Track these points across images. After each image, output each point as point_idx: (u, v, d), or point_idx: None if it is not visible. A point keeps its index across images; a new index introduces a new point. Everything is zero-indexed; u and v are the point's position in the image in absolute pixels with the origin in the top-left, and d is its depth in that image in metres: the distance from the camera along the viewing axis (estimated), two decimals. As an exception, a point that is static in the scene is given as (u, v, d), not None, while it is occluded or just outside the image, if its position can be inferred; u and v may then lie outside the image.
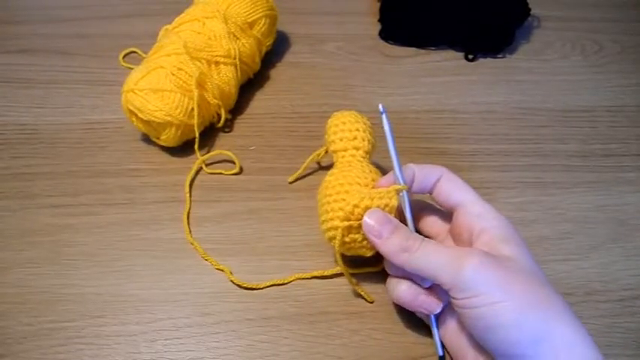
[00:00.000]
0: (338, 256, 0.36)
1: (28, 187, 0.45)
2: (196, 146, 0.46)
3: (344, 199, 0.35)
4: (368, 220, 0.34)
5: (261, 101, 0.53)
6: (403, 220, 0.35)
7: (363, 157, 0.39)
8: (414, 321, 0.38)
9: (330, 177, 0.37)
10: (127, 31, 0.60)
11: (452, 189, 0.35)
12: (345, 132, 0.39)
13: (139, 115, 0.44)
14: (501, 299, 0.29)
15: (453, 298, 0.31)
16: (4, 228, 0.42)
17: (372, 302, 0.39)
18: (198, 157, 0.46)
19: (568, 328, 0.29)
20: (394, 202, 0.34)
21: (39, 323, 0.37)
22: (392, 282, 0.35)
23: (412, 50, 0.60)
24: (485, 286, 0.29)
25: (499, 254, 0.31)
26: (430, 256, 0.32)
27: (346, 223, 0.34)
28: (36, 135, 0.49)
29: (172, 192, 0.45)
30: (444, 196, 0.35)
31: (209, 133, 0.49)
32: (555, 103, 0.54)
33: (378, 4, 0.62)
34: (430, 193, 0.36)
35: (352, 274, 0.38)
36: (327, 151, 0.41)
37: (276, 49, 0.59)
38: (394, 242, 0.33)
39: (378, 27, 0.62)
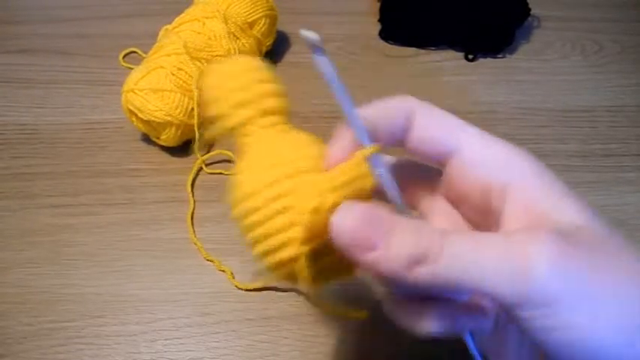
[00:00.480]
0: (310, 296, 0.24)
1: (28, 187, 0.45)
2: (196, 146, 0.46)
3: (289, 207, 0.19)
4: (342, 225, 0.18)
5: (261, 101, 0.53)
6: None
7: (285, 123, 0.23)
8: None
9: (244, 175, 0.21)
10: (127, 31, 0.60)
11: (435, 128, 0.23)
12: (241, 91, 0.22)
13: (139, 115, 0.44)
14: (600, 309, 0.17)
15: (521, 317, 0.18)
16: (4, 228, 0.42)
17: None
18: (198, 157, 0.46)
19: None
20: (370, 180, 0.20)
21: (39, 323, 0.37)
22: (405, 311, 0.22)
23: (412, 50, 0.60)
24: (574, 289, 0.17)
25: (555, 224, 0.19)
26: (468, 258, 0.18)
27: (310, 245, 0.19)
28: (36, 135, 0.49)
29: (172, 192, 0.45)
30: (426, 142, 0.23)
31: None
32: (555, 103, 0.54)
33: (378, 4, 0.62)
34: (402, 144, 0.23)
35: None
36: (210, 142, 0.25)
37: (276, 49, 0.59)
38: (400, 252, 0.18)
39: (378, 27, 0.62)
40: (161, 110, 0.44)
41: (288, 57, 0.58)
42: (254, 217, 0.20)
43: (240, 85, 0.22)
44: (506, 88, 0.56)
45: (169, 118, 0.44)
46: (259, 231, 0.20)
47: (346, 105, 0.20)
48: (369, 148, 0.20)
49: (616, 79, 0.57)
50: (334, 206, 0.19)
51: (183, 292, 0.39)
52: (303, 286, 0.21)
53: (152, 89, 0.44)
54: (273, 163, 0.20)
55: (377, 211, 0.19)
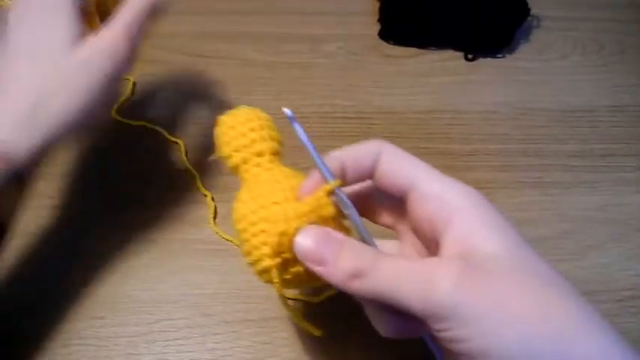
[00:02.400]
0: (282, 300, 0.28)
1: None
2: (183, 154, 0.46)
3: (264, 230, 0.26)
4: (302, 244, 0.25)
5: (261, 101, 0.53)
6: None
7: (272, 162, 0.29)
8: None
9: (238, 203, 0.28)
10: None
11: (396, 166, 0.26)
12: (238, 138, 0.30)
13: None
14: (496, 326, 0.21)
15: (433, 329, 0.22)
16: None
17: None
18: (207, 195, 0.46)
19: (591, 343, 0.20)
20: (329, 210, 0.26)
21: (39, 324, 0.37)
22: (374, 317, 0.27)
23: (412, 50, 0.60)
24: (472, 309, 0.21)
25: (480, 253, 0.23)
26: (389, 276, 0.23)
27: (278, 260, 0.26)
28: (36, 135, 0.49)
29: (173, 192, 0.45)
30: (388, 178, 0.26)
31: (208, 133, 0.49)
32: (555, 103, 0.54)
33: (378, 4, 0.62)
34: (370, 178, 0.28)
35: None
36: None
37: (275, 49, 0.59)
38: (344, 267, 0.23)
39: (378, 27, 0.61)
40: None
41: (288, 57, 0.58)
42: (241, 236, 0.27)
43: (238, 133, 0.29)
44: (506, 88, 0.56)
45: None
46: (245, 247, 0.27)
47: (314, 153, 0.26)
48: (329, 185, 0.26)
49: (616, 79, 0.57)
50: (297, 230, 0.25)
51: (183, 293, 0.39)
52: (276, 290, 0.27)
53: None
54: (256, 195, 0.27)
55: (330, 234, 0.25)
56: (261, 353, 0.36)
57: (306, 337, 0.37)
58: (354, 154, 0.27)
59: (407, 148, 0.48)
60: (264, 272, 0.27)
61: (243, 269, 0.40)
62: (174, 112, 0.52)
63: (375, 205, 0.30)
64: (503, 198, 0.46)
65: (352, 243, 0.25)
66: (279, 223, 0.25)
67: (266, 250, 0.26)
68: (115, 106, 0.51)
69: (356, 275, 0.23)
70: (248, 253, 0.27)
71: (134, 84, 0.54)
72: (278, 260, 0.26)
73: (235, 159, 0.29)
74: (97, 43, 0.33)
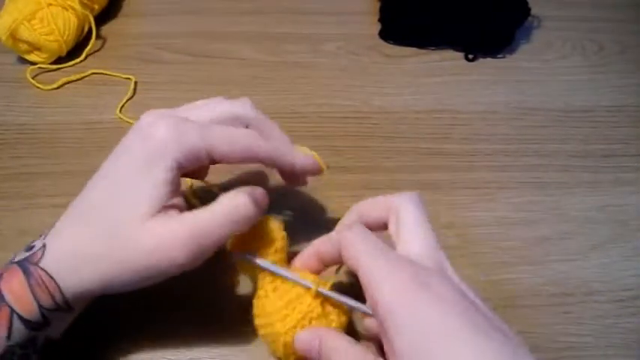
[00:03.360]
0: None
1: (27, 186, 0.45)
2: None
3: (273, 341, 0.32)
4: (297, 347, 0.31)
5: (261, 101, 0.53)
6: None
7: (283, 260, 0.34)
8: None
9: (255, 309, 0.34)
10: (128, 31, 0.60)
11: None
12: (252, 244, 0.34)
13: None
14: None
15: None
16: (4, 228, 0.42)
17: None
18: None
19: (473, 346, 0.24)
20: (317, 311, 0.31)
21: (39, 323, 0.37)
22: None
23: (412, 50, 0.60)
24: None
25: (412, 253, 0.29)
26: None
27: (292, 358, 0.32)
28: (36, 135, 0.49)
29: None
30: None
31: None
32: (555, 103, 0.54)
33: (378, 4, 0.62)
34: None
35: None
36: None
37: (275, 49, 0.59)
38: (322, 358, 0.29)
39: (378, 27, 0.62)
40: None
41: (288, 57, 0.58)
42: (259, 332, 0.33)
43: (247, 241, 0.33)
44: (506, 88, 0.56)
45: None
46: (263, 338, 0.34)
47: (285, 274, 0.32)
48: (309, 290, 0.32)
49: (616, 79, 0.57)
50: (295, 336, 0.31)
51: (182, 292, 0.39)
52: None
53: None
54: (264, 313, 0.33)
55: (316, 335, 0.30)
56: (260, 352, 0.36)
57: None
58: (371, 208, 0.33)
59: (407, 148, 0.49)
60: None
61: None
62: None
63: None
64: (503, 198, 0.46)
65: (323, 345, 0.30)
66: (281, 336, 0.31)
67: (279, 354, 0.33)
68: (120, 105, 0.52)
69: None
70: (265, 341, 0.34)
71: (135, 83, 0.54)
72: (293, 357, 0.32)
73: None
74: (164, 237, 0.29)
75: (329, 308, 0.32)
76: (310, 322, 0.31)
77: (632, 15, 0.65)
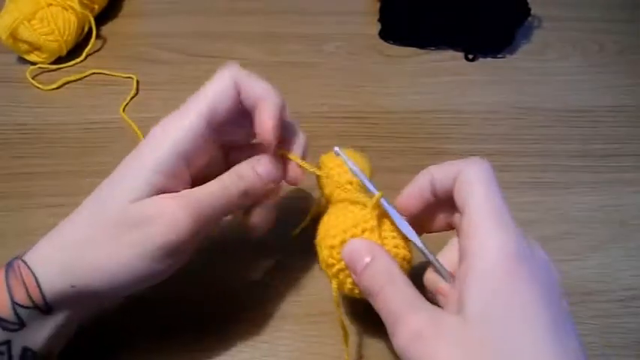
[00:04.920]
0: (335, 300, 0.32)
1: (27, 186, 0.45)
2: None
3: (321, 246, 0.32)
4: (344, 255, 0.29)
5: (261, 101, 0.53)
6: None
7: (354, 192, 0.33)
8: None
9: (321, 223, 0.33)
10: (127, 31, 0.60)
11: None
12: (342, 175, 0.34)
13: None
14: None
15: None
16: (4, 228, 0.42)
17: None
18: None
19: None
20: (371, 223, 0.30)
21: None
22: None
23: (412, 50, 0.60)
24: None
25: (461, 308, 0.24)
26: (385, 303, 0.26)
27: (332, 269, 0.31)
28: (36, 135, 0.49)
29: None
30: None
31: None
32: (555, 103, 0.54)
33: (378, 4, 0.62)
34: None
35: None
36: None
37: (275, 49, 0.59)
38: (366, 280, 0.27)
39: (378, 27, 0.62)
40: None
41: (288, 57, 0.58)
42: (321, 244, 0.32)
43: (329, 174, 0.34)
44: (506, 88, 0.56)
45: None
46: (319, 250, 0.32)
47: (360, 175, 0.31)
48: (373, 198, 0.30)
49: (616, 79, 0.57)
50: (343, 243, 0.30)
51: (181, 292, 0.39)
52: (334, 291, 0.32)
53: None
54: (327, 221, 0.32)
55: (363, 248, 0.28)
56: (260, 352, 0.36)
57: (305, 337, 0.37)
58: (443, 173, 0.29)
59: (407, 148, 0.49)
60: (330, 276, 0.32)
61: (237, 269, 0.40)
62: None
63: (428, 211, 0.32)
64: (503, 198, 0.46)
65: (385, 261, 0.28)
66: (328, 238, 0.30)
67: (323, 261, 0.31)
68: (123, 105, 0.52)
69: (372, 292, 0.27)
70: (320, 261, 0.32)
71: (137, 82, 0.54)
72: (332, 269, 0.31)
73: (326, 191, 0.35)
74: (157, 205, 0.28)
75: (388, 233, 0.30)
76: (362, 234, 0.30)
77: (632, 15, 0.65)
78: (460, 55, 0.59)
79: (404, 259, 0.31)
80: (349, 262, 0.29)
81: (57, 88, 0.54)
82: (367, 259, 0.28)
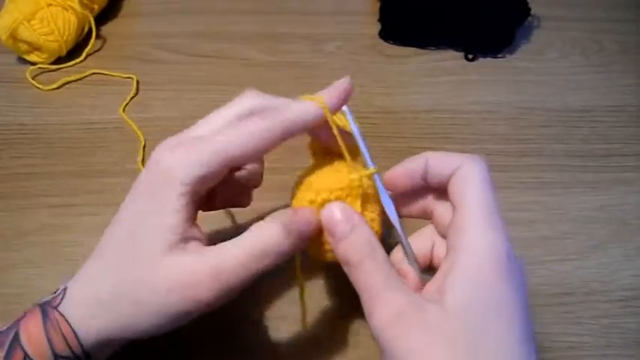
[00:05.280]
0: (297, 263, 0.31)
1: (27, 187, 0.45)
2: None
3: (298, 198, 0.30)
4: (322, 214, 0.28)
5: (261, 101, 0.53)
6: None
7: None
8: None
9: (301, 172, 0.32)
10: (127, 32, 0.60)
11: (441, 164, 0.29)
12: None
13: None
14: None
15: None
16: (4, 228, 0.42)
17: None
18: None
19: None
20: (358, 191, 0.29)
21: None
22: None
23: (412, 50, 0.60)
24: (400, 351, 0.23)
25: (441, 298, 0.24)
26: (363, 277, 0.26)
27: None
28: (36, 135, 0.49)
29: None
30: (436, 176, 0.29)
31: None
32: (555, 103, 0.54)
33: (378, 4, 0.62)
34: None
35: None
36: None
37: (275, 49, 0.59)
38: (345, 247, 0.27)
39: (378, 27, 0.62)
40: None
41: (288, 57, 0.58)
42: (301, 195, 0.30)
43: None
44: (506, 88, 0.56)
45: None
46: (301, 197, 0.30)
47: (359, 140, 0.32)
48: (369, 170, 0.30)
49: (616, 79, 0.57)
50: (324, 202, 0.29)
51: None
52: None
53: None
54: (311, 173, 0.31)
55: (344, 214, 0.27)
56: (260, 352, 0.36)
57: (305, 337, 0.37)
58: (439, 160, 0.29)
59: (407, 148, 0.49)
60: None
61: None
62: (174, 112, 0.52)
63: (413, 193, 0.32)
64: (503, 198, 0.46)
65: (358, 233, 0.27)
66: (310, 192, 0.29)
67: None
68: (123, 105, 0.52)
69: (345, 263, 0.27)
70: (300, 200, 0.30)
71: (137, 82, 0.54)
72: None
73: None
74: (183, 274, 0.26)
75: (370, 206, 0.30)
76: (345, 198, 0.29)
77: (632, 15, 0.65)
78: (460, 55, 0.59)
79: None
80: (329, 224, 0.27)
81: (57, 88, 0.54)
82: (348, 226, 0.27)
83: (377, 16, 0.62)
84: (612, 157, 0.49)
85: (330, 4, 0.65)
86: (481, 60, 0.59)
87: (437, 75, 0.57)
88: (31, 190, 0.45)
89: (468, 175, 0.27)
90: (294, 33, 0.61)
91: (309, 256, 0.31)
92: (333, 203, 0.28)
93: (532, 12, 0.59)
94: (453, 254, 0.25)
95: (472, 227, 0.25)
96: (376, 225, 0.30)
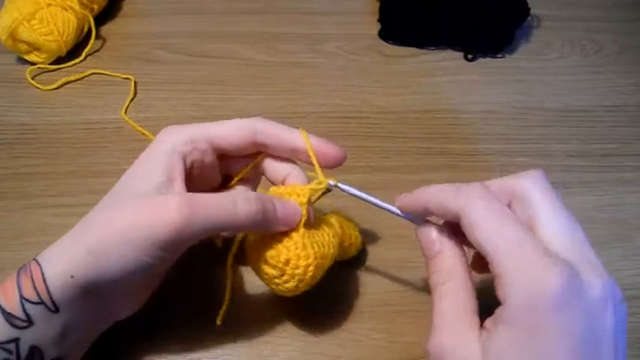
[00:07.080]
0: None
1: (27, 187, 0.45)
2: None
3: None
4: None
5: (261, 101, 0.53)
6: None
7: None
8: (413, 321, 0.38)
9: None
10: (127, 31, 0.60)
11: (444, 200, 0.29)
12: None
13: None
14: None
15: None
16: (4, 228, 0.42)
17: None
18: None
19: None
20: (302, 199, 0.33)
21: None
22: None
23: (412, 50, 0.60)
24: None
25: (486, 339, 0.25)
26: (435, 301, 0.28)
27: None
28: (35, 135, 0.49)
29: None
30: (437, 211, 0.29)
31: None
32: (555, 103, 0.54)
33: (378, 4, 0.62)
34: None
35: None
36: None
37: (275, 49, 0.59)
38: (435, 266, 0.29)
39: (378, 27, 0.62)
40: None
41: (288, 57, 0.58)
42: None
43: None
44: (506, 88, 0.56)
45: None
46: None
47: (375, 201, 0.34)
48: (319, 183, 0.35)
49: (616, 79, 0.57)
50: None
51: (182, 292, 0.39)
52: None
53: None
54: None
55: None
56: (259, 352, 0.36)
57: (305, 337, 0.37)
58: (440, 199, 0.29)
59: (407, 148, 0.49)
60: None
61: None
62: (174, 112, 0.52)
63: None
64: (503, 198, 0.46)
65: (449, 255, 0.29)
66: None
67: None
68: (125, 106, 0.52)
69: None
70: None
71: (135, 83, 0.54)
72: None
73: None
74: (155, 198, 0.28)
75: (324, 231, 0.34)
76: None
77: (632, 15, 0.65)
78: (460, 55, 0.59)
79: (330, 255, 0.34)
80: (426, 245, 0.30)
81: (56, 88, 0.54)
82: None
83: (377, 16, 0.62)
84: (612, 157, 0.49)
85: (330, 4, 0.65)
86: (481, 60, 0.59)
87: (437, 75, 0.57)
88: (30, 190, 0.45)
89: (530, 196, 0.30)
90: (293, 33, 0.61)
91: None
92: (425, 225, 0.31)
93: (532, 12, 0.59)
94: (500, 288, 0.25)
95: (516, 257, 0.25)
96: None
